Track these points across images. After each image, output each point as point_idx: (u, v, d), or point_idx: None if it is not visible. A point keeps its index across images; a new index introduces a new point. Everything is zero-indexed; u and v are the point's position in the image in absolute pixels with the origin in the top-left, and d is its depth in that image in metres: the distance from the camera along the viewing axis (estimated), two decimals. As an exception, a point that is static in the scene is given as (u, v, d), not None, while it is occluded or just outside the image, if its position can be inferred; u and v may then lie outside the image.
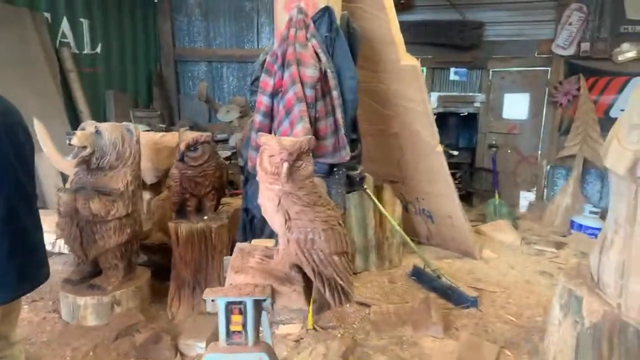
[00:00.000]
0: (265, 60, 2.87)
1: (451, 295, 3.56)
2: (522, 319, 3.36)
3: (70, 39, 6.17)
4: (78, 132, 2.98)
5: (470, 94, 6.63)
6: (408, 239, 3.95)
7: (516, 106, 6.41)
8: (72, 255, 3.46)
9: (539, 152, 6.38)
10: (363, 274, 4.06)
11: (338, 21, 2.87)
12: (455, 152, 6.42)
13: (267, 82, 2.76)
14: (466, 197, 6.38)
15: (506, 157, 6.50)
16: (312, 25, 2.74)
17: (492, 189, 6.12)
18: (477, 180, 6.72)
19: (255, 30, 7.42)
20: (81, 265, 3.31)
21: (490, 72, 6.46)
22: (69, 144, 2.98)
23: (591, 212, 5.32)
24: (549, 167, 6.33)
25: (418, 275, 3.95)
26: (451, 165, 4.64)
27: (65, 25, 6.10)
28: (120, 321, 3.05)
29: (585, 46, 5.77)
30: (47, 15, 5.82)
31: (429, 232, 4.76)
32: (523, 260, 4.55)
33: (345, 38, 2.87)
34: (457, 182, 6.07)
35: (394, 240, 4.26)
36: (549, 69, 6.10)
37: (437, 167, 4.06)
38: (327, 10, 2.81)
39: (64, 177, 4.60)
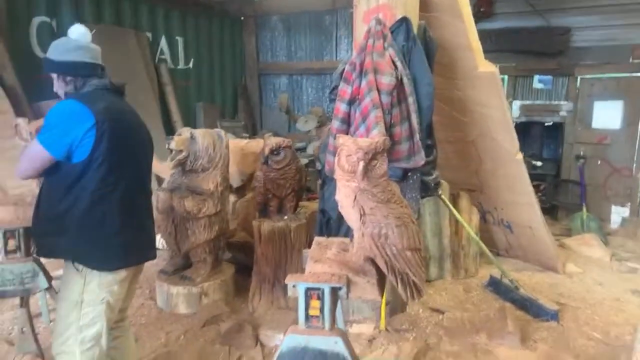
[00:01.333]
0: (344, 70, 3.03)
1: (530, 307, 3.45)
2: (609, 337, 3.17)
3: (167, 55, 6.82)
4: (176, 137, 3.33)
5: (556, 102, 6.34)
6: (485, 248, 3.88)
7: (607, 115, 6.02)
8: (166, 250, 3.83)
9: (634, 164, 5.93)
10: (437, 282, 4.05)
11: (415, 30, 2.96)
12: (539, 163, 6.16)
13: (345, 90, 2.91)
14: (550, 210, 6.08)
15: (595, 169, 6.11)
16: (389, 35, 2.85)
17: (579, 203, 5.78)
18: (563, 193, 6.37)
19: (334, 43, 7.66)
20: (174, 258, 3.65)
21: (578, 79, 6.14)
22: (168, 148, 3.34)
23: (695, 229, 4.86)
24: (645, 180, 5.86)
25: (495, 285, 3.87)
26: (535, 177, 4.49)
27: (163, 44, 6.75)
28: (207, 311, 3.32)
29: (689, 49, 5.32)
30: (149, 34, 6.48)
31: (507, 243, 4.62)
32: (613, 277, 4.27)
33: (422, 47, 2.95)
34: (540, 194, 5.83)
35: (470, 249, 4.20)
36: (646, 74, 5.68)
37: (517, 175, 3.95)
38: (404, 21, 2.91)
39: (159, 181, 5.07)
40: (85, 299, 1.96)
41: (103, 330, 1.99)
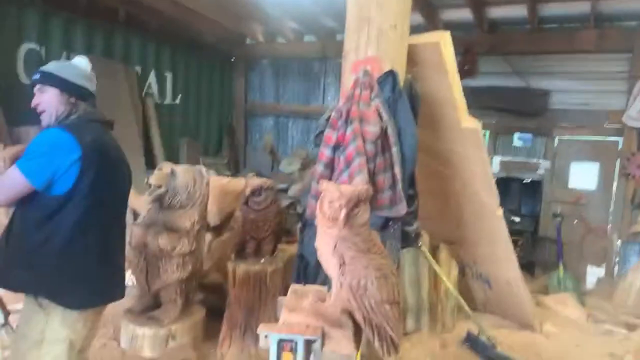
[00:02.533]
0: (330, 117, 3.05)
1: (507, 367, 3.37)
2: (586, 402, 3.10)
3: (155, 89, 6.83)
4: (156, 172, 3.27)
5: (534, 160, 6.50)
6: (464, 302, 3.83)
7: (584, 176, 6.19)
8: (135, 287, 3.68)
9: (609, 225, 6.04)
10: (414, 335, 3.95)
11: (402, 83, 3.03)
12: (517, 219, 6.23)
13: (330, 136, 2.92)
14: (528, 267, 6.08)
15: (572, 228, 6.20)
16: (376, 86, 2.90)
17: (556, 261, 5.81)
18: (540, 250, 6.41)
19: (321, 90, 7.81)
20: (143, 297, 3.49)
21: (556, 140, 6.34)
22: (147, 183, 3.27)
23: (668, 294, 4.90)
24: (620, 242, 5.95)
25: (472, 342, 3.78)
26: (513, 232, 4.51)
27: (152, 78, 6.78)
28: (172, 355, 3.16)
29: (660, 118, 5.56)
30: (138, 68, 6.51)
31: (486, 298, 4.58)
32: (589, 339, 4.23)
33: (407, 99, 3.01)
34: (518, 249, 5.84)
35: (449, 303, 4.15)
36: (620, 139, 5.90)
37: (497, 230, 3.97)
38: (391, 74, 2.98)
39: (135, 215, 4.94)
40: (47, 337, 1.84)
41: None
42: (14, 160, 2.08)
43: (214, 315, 3.66)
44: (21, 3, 5.18)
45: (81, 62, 2.09)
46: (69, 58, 5.60)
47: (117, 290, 2.10)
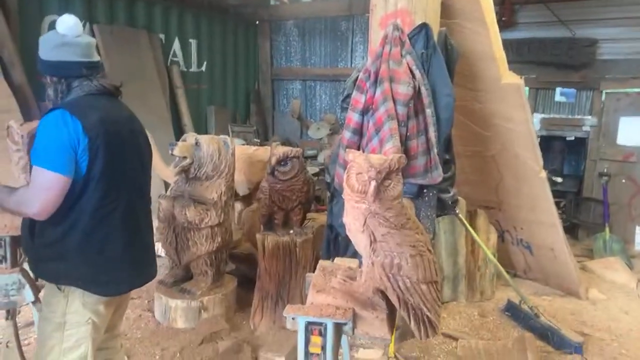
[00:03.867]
0: (357, 78, 2.85)
1: (551, 337, 3.21)
2: (638, 373, 2.93)
3: (179, 57, 6.71)
4: (179, 143, 3.17)
5: (579, 117, 6.08)
6: (503, 270, 3.65)
7: (634, 131, 5.73)
8: (167, 258, 3.68)
9: (661, 183, 5.64)
10: (451, 304, 3.83)
11: (435, 38, 2.78)
12: (560, 179, 5.88)
13: (358, 99, 2.73)
14: (571, 229, 5.79)
15: (620, 188, 5.82)
16: (407, 42, 2.67)
17: (601, 222, 5.50)
18: (584, 212, 6.08)
19: (349, 50, 7.50)
20: (175, 269, 3.49)
21: (604, 94, 5.87)
22: (171, 154, 3.19)
23: None
24: (673, 200, 5.56)
25: (512, 311, 3.63)
26: (555, 194, 4.24)
27: (176, 45, 6.65)
28: (206, 327, 3.15)
29: None
30: (162, 36, 6.39)
31: (526, 264, 4.37)
32: (639, 305, 4.00)
33: (442, 55, 2.76)
34: (560, 211, 5.54)
35: (487, 270, 3.97)
36: (676, 90, 5.41)
37: (540, 194, 3.73)
38: (424, 27, 2.73)
39: (167, 186, 4.94)
40: (69, 320, 1.80)
41: (88, 352, 1.84)
42: (33, 137, 2.01)
43: (246, 284, 3.64)
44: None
45: (61, 24, 1.79)
46: (91, 29, 5.54)
47: (149, 271, 2.04)
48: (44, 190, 1.64)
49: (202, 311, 3.28)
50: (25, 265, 2.25)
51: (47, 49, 1.79)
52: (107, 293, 1.84)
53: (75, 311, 1.80)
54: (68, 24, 1.79)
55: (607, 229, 5.26)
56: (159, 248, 4.17)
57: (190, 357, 2.91)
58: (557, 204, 4.45)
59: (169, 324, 3.28)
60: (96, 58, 1.87)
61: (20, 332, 2.51)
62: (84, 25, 5.39)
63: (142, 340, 3.13)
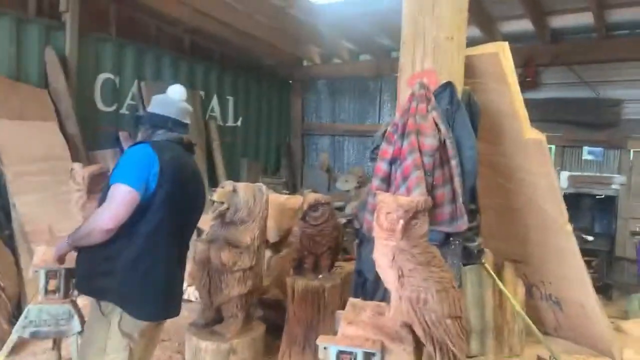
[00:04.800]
0: (386, 131, 3.05)
1: (583, 396, 3.12)
2: None
3: (217, 113, 7.16)
4: (218, 189, 3.38)
5: (607, 174, 6.09)
6: (531, 324, 3.61)
7: (664, 190, 5.71)
8: (198, 303, 3.79)
9: (696, 243, 5.51)
10: (479, 359, 3.77)
11: (459, 95, 2.98)
12: (590, 238, 5.82)
13: (387, 150, 2.91)
14: (604, 290, 5.63)
15: (654, 247, 5.71)
16: (433, 99, 2.87)
17: (636, 283, 5.36)
18: (618, 272, 5.95)
19: (377, 107, 7.83)
20: (206, 312, 3.59)
21: (632, 152, 5.91)
22: (210, 200, 3.39)
23: None
24: None
25: (543, 367, 3.55)
26: (586, 252, 4.22)
27: (214, 102, 7.11)
28: (234, 370, 3.20)
29: None
30: (202, 93, 6.87)
31: (556, 321, 4.28)
32: (677, 368, 3.84)
33: (465, 111, 2.95)
34: (592, 271, 5.44)
35: (516, 325, 3.92)
36: None
37: (567, 248, 3.73)
38: (448, 85, 2.94)
39: (198, 233, 5.14)
40: (109, 345, 1.94)
41: None
42: (92, 177, 2.27)
43: (274, 331, 3.68)
44: (99, 36, 5.65)
45: (170, 90, 2.25)
46: (139, 85, 6.03)
47: (176, 307, 2.18)
48: (119, 202, 1.88)
49: (231, 354, 3.33)
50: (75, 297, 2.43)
51: (153, 104, 2.23)
52: (144, 317, 1.98)
53: (116, 336, 1.94)
54: (176, 90, 2.26)
55: (642, 289, 5.13)
56: (191, 292, 4.34)
57: (218, 399, 2.95)
58: (588, 263, 4.41)
59: (198, 366, 3.34)
60: (185, 121, 2.26)
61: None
62: (133, 82, 5.96)
63: (171, 380, 3.19)
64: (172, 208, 2.01)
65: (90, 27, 5.51)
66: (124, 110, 5.95)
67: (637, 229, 5.73)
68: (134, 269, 1.93)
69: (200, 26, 6.29)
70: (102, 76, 5.74)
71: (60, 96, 5.14)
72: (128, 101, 6.00)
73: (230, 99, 7.39)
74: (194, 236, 5.02)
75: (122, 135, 5.60)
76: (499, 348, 3.87)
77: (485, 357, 3.81)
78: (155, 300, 2.00)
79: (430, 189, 2.70)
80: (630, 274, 5.74)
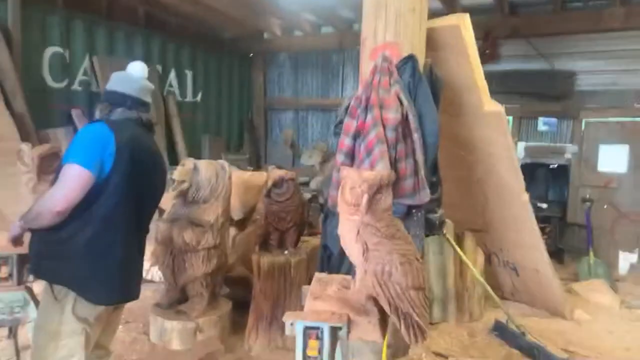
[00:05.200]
0: (349, 105, 3.03)
1: (537, 355, 3.30)
2: (621, 389, 3.02)
3: (175, 88, 6.92)
4: (178, 167, 3.30)
5: (561, 144, 6.34)
6: (491, 290, 3.77)
7: (613, 158, 5.99)
8: (161, 283, 3.74)
9: (641, 208, 5.86)
10: (441, 325, 3.91)
11: (421, 68, 2.98)
12: (545, 205, 6.08)
13: (350, 124, 2.90)
14: (556, 254, 5.93)
15: (602, 213, 6.03)
16: (395, 72, 2.86)
17: (585, 247, 5.66)
18: (569, 237, 6.26)
19: (340, 81, 7.78)
20: (170, 292, 3.54)
21: (583, 123, 6.15)
22: (170, 178, 3.31)
23: None
24: (653, 225, 5.77)
25: (501, 331, 3.72)
26: (540, 219, 4.41)
27: (172, 77, 6.87)
28: (201, 348, 3.20)
29: (694, 96, 5.35)
30: (159, 67, 6.61)
31: (513, 286, 4.49)
32: (623, 325, 4.11)
33: (428, 84, 2.96)
34: (546, 237, 5.71)
35: (475, 291, 4.08)
36: (651, 119, 5.70)
37: (523, 216, 3.89)
38: (410, 58, 2.93)
39: (160, 212, 5.03)
40: (63, 330, 1.88)
41: None
42: (42, 158, 2.15)
43: (241, 308, 3.69)
44: (45, 7, 5.30)
45: (131, 67, 2.16)
46: (91, 60, 5.73)
47: (134, 290, 2.12)
48: (71, 183, 1.80)
49: (198, 332, 3.32)
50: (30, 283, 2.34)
51: (112, 81, 2.11)
52: (99, 301, 1.92)
53: (70, 320, 1.88)
54: (136, 66, 2.15)
55: (591, 253, 5.41)
56: (154, 272, 4.26)
57: (186, 377, 2.95)
58: (542, 229, 4.61)
59: (165, 346, 3.31)
60: (146, 99, 2.15)
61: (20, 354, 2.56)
62: (84, 57, 5.66)
63: (138, 361, 3.16)
64: (130, 190, 1.94)
65: (35, -4, 5.18)
66: (76, 87, 5.66)
67: (587, 196, 6.01)
68: (89, 253, 1.87)
69: (154, -4, 6.02)
70: (50, 50, 5.41)
71: (5, 72, 4.84)
72: (80, 77, 5.71)
73: (189, 73, 7.15)
74: (155, 216, 4.92)
75: (75, 112, 5.34)
76: (460, 314, 4.03)
77: (447, 322, 3.96)
78: (111, 284, 1.94)
79: (393, 163, 2.72)
80: (580, 239, 6.05)
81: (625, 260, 5.84)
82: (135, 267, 2.11)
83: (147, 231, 2.20)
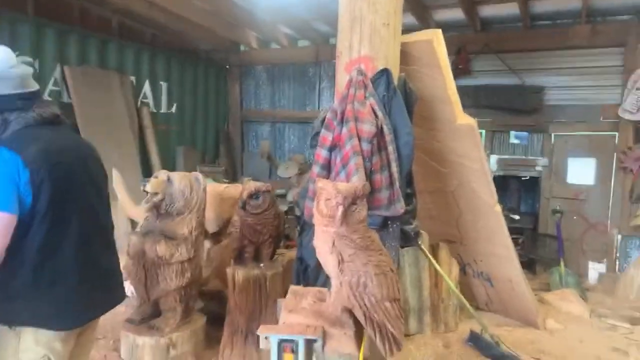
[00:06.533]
0: (325, 117, 3.05)
1: (511, 364, 3.34)
2: (592, 396, 3.07)
3: (150, 99, 6.83)
4: (152, 179, 3.24)
5: (532, 157, 6.50)
6: (465, 301, 3.81)
7: (581, 171, 6.18)
8: (134, 298, 3.64)
9: (609, 220, 6.03)
10: (417, 336, 3.92)
11: (395, 82, 3.03)
12: (517, 217, 6.21)
13: (326, 137, 2.92)
14: (529, 264, 6.06)
15: (572, 224, 6.19)
16: (370, 85, 2.90)
17: (556, 257, 5.79)
18: (541, 247, 6.39)
19: (316, 94, 7.82)
20: (143, 307, 3.46)
21: (553, 136, 6.33)
22: (143, 190, 3.25)
23: (671, 286, 4.88)
24: (620, 236, 5.94)
25: (475, 341, 3.76)
26: (513, 230, 4.50)
27: (147, 88, 6.78)
28: (174, 364, 3.12)
29: (656, 111, 5.57)
30: (133, 78, 6.51)
31: (487, 297, 4.55)
32: (593, 334, 4.20)
33: (402, 97, 3.01)
34: (518, 247, 5.82)
35: (450, 302, 4.12)
36: (616, 133, 5.90)
37: (496, 227, 3.96)
38: (385, 72, 2.98)
39: (133, 225, 4.93)
40: (22, 358, 1.71)
41: None
42: None
43: (215, 322, 3.62)
44: (15, 16, 5.18)
45: None
46: (62, 70, 5.61)
47: (110, 298, 1.96)
48: None
49: (171, 348, 3.24)
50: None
51: None
52: (63, 327, 1.76)
53: (28, 349, 1.71)
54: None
55: (562, 264, 5.54)
56: (126, 287, 4.14)
57: (158, 395, 2.87)
58: (515, 240, 4.70)
59: (136, 363, 3.22)
60: (33, 87, 1.81)
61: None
62: (55, 67, 5.53)
63: (107, 380, 3.06)
64: (65, 206, 1.74)
65: (4, 3, 5.04)
66: (45, 97, 5.52)
67: (557, 207, 6.18)
68: (37, 285, 1.69)
69: (129, 6, 5.93)
70: (19, 59, 5.27)
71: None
72: (50, 87, 5.58)
73: (164, 84, 7.07)
74: (127, 229, 4.81)
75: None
76: (435, 325, 4.05)
77: (422, 334, 3.97)
78: (72, 308, 1.77)
79: (369, 174, 2.74)
80: (551, 249, 6.18)
81: (594, 270, 6.00)
82: (102, 277, 1.90)
83: (110, 226, 2.01)
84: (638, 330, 4.30)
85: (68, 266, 1.75)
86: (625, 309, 4.90)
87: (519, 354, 3.39)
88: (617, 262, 5.99)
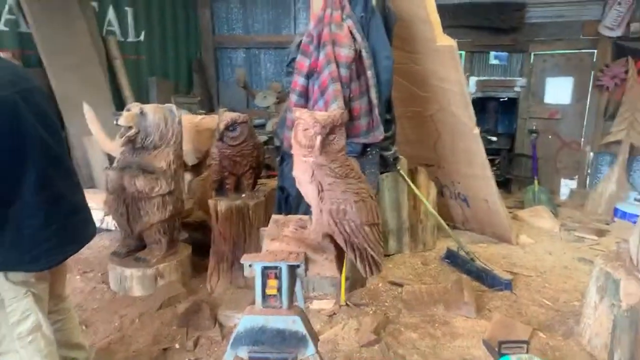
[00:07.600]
0: (301, 42, 2.93)
1: (485, 277, 3.55)
2: (558, 303, 3.32)
3: (115, 27, 6.43)
4: (124, 113, 3.15)
5: (510, 78, 6.47)
6: (442, 221, 3.95)
7: (558, 91, 6.21)
8: (118, 231, 3.67)
9: (582, 138, 6.18)
10: (396, 256, 4.10)
11: (374, 1, 2.89)
12: (494, 138, 6.30)
13: (303, 63, 2.83)
14: (505, 184, 6.26)
15: (547, 143, 6.33)
16: (347, 6, 2.77)
17: (531, 176, 5.99)
18: (517, 167, 6.57)
19: (292, 17, 7.47)
20: (127, 240, 3.51)
21: (532, 56, 6.27)
22: (116, 124, 3.16)
23: (636, 200, 5.14)
24: (592, 153, 6.12)
25: (452, 258, 3.95)
26: (490, 151, 4.59)
27: (111, 14, 6.35)
28: (163, 292, 3.22)
29: (635, 27, 5.51)
30: (95, 4, 6.08)
31: (464, 216, 4.73)
32: (561, 246, 4.46)
33: (380, 18, 2.89)
34: (495, 168, 5.97)
35: (428, 223, 4.27)
36: (595, 51, 5.87)
37: (474, 149, 4.02)
38: (362, -9, 2.84)
39: (111, 159, 4.84)
40: (6, 297, 1.72)
41: (40, 320, 1.80)
42: None
43: (201, 252, 3.71)
44: None
45: None
46: (15, -4, 5.18)
47: (82, 235, 1.93)
48: None
49: (159, 278, 3.34)
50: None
51: None
52: (37, 269, 1.75)
53: (8, 288, 1.72)
54: None
55: (536, 182, 5.74)
56: (109, 221, 4.17)
57: (150, 321, 2.99)
58: (492, 161, 4.80)
59: (126, 293, 3.32)
60: None
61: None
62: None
63: (99, 310, 3.15)
64: (14, 148, 1.62)
65: None
66: (2, 27, 5.15)
67: (534, 127, 6.27)
68: (1, 234, 1.65)
69: None
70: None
71: None
72: (5, 15, 5.18)
73: (129, 10, 6.61)
74: (105, 164, 4.73)
75: (4, 55, 4.90)
76: (414, 244, 4.23)
77: (402, 253, 4.15)
78: (43, 249, 1.73)
79: (348, 102, 2.70)
80: (527, 169, 6.37)
81: (565, 186, 6.24)
82: (70, 214, 1.84)
83: (66, 163, 1.88)
84: (604, 241, 4.57)
85: (30, 210, 1.68)
86: (593, 222, 5.17)
87: (493, 267, 3.59)
88: (588, 179, 6.22)
